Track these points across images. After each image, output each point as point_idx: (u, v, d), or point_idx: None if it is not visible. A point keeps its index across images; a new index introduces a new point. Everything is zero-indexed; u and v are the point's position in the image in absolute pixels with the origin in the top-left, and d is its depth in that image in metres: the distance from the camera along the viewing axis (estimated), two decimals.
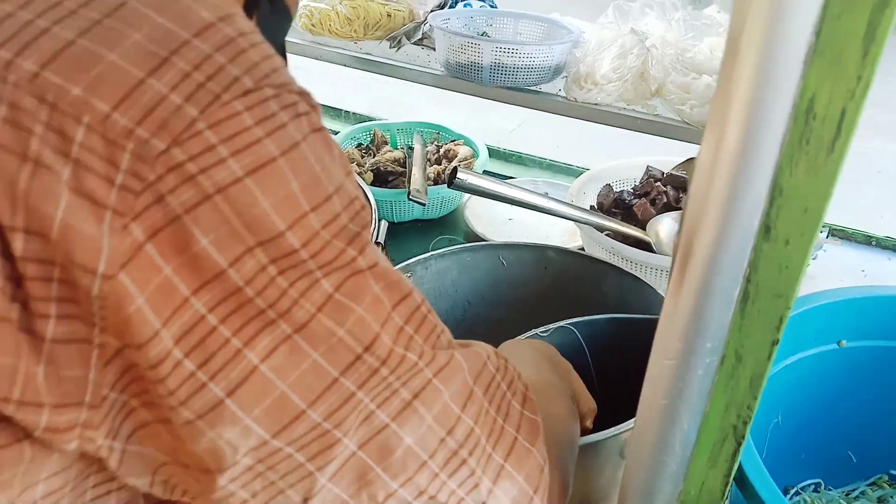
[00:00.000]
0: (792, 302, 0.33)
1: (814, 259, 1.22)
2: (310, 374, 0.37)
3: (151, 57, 0.34)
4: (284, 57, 0.68)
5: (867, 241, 1.25)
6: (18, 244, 0.33)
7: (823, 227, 1.28)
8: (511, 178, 1.55)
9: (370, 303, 0.40)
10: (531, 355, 0.73)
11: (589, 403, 0.70)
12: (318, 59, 1.30)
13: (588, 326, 0.91)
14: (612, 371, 0.87)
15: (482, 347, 0.50)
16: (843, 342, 0.55)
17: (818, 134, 0.29)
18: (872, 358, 0.55)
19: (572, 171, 1.54)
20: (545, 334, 0.89)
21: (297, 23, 1.32)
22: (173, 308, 0.34)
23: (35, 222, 0.33)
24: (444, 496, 0.44)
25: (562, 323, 0.90)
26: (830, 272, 1.17)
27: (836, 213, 1.28)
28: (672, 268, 0.34)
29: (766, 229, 0.32)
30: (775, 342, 0.36)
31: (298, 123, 0.38)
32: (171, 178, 0.33)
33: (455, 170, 0.98)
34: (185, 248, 0.34)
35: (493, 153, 1.61)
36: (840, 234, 1.27)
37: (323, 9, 1.30)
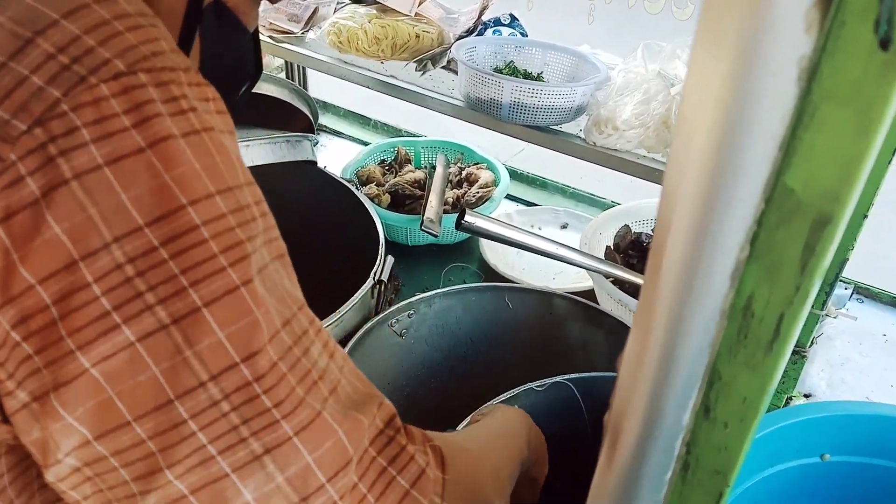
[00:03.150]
0: (731, 480, 0.32)
1: (834, 318, 1.17)
2: (143, 389, 0.34)
3: (15, 39, 0.34)
4: (259, 68, 0.64)
5: (893, 302, 1.20)
6: None
7: (848, 283, 1.23)
8: (533, 204, 1.53)
9: (241, 328, 0.36)
10: (514, 421, 0.72)
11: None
12: (342, 78, 1.30)
13: (587, 383, 0.89)
14: None
15: (370, 413, 0.43)
16: (827, 456, 0.52)
17: (756, 332, 0.27)
18: (857, 474, 0.52)
19: (596, 202, 1.51)
20: (541, 388, 0.87)
21: (325, 39, 1.32)
22: (13, 294, 0.33)
23: None
24: None
25: (559, 378, 0.88)
26: (850, 335, 1.13)
27: (865, 270, 1.23)
28: (603, 443, 0.32)
29: (705, 409, 0.30)
30: None
31: (180, 119, 0.35)
32: (31, 160, 0.32)
33: (464, 211, 0.97)
34: (35, 234, 0.33)
35: (516, 176, 1.59)
36: (866, 293, 1.22)
37: (351, 27, 1.29)
